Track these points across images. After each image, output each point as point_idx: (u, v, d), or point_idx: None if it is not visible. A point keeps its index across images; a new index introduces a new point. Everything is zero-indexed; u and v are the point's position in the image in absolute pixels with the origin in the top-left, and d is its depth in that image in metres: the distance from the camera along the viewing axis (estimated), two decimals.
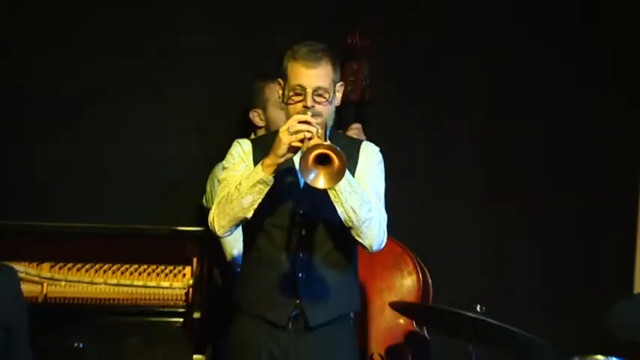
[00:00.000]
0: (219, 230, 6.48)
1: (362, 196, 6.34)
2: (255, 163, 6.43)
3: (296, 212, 6.50)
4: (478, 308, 6.84)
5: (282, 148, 6.12)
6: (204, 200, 7.72)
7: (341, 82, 6.65)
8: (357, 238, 6.38)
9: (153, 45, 9.08)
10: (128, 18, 9.12)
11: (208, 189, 7.86)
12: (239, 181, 6.36)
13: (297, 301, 6.45)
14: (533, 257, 9.32)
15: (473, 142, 9.27)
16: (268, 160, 6.20)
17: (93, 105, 8.86)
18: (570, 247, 9.35)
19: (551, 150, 9.52)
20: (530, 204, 9.45)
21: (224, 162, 6.79)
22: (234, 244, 7.40)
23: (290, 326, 6.45)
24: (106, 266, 7.17)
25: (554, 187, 9.59)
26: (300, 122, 6.10)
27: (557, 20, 9.64)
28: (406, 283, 7.79)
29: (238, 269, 7.03)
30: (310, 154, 5.91)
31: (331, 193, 6.26)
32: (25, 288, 6.59)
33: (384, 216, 6.55)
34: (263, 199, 6.26)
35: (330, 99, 6.41)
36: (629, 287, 8.81)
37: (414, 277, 7.78)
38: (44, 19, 8.98)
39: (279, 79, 6.55)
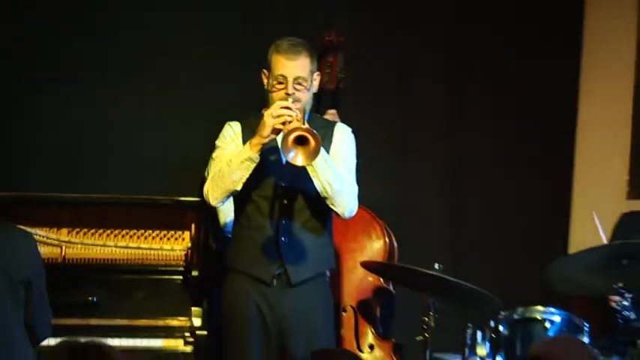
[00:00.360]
0: (213, 201, 6.79)
1: (335, 171, 6.68)
2: (244, 142, 6.69)
3: (278, 185, 6.78)
4: (436, 266, 6.94)
5: (266, 130, 6.42)
6: (205, 173, 7.55)
7: (318, 72, 6.94)
8: (332, 207, 6.74)
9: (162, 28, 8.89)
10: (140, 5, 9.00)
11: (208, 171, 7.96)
12: (230, 159, 6.67)
13: (280, 262, 6.73)
14: (484, 222, 9.33)
15: (434, 122, 9.27)
16: (255, 140, 6.50)
17: (109, 84, 8.78)
18: (515, 216, 9.33)
19: (502, 127, 9.45)
20: (482, 175, 9.41)
21: (217, 141, 6.98)
22: (227, 213, 7.48)
23: (274, 283, 6.74)
24: (116, 231, 7.36)
25: (506, 160, 9.48)
26: (282, 107, 6.42)
27: (512, 18, 9.58)
28: (375, 246, 7.96)
29: (229, 235, 7.19)
30: (290, 136, 6.27)
31: (309, 168, 6.55)
32: (47, 250, 6.93)
33: (355, 188, 6.87)
34: (250, 174, 6.57)
35: (308, 87, 6.72)
36: (564, 250, 8.94)
37: (382, 240, 7.96)
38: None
39: (264, 70, 6.79)
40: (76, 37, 8.84)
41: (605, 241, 7.35)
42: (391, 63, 8.92)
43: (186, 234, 7.39)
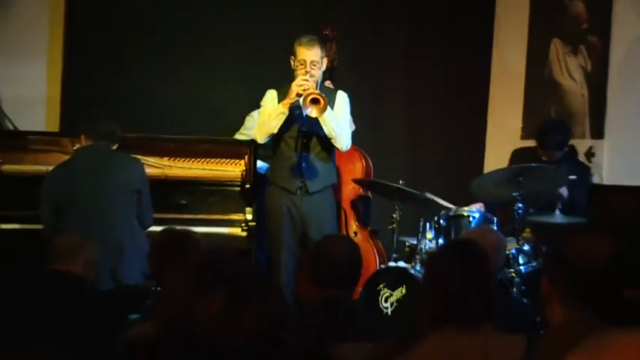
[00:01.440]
0: (259, 140, 7.33)
1: (337, 121, 7.20)
2: (279, 102, 7.18)
3: (300, 130, 7.27)
4: (401, 182, 7.43)
5: (293, 94, 6.99)
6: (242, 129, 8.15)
7: (325, 57, 7.35)
8: (335, 144, 7.28)
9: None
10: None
11: (245, 123, 8.34)
12: (269, 112, 7.23)
13: (302, 178, 7.27)
14: (432, 152, 9.49)
15: (395, 91, 9.45)
16: (285, 101, 7.06)
17: (187, 66, 8.87)
18: (452, 149, 9.54)
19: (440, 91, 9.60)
20: (431, 127, 9.53)
21: (262, 102, 7.42)
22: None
23: (298, 192, 7.29)
24: (198, 159, 7.64)
25: (445, 115, 9.66)
26: (303, 80, 6.98)
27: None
28: (357, 167, 8.26)
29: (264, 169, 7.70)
30: (308, 98, 6.89)
31: (320, 119, 7.06)
32: (155, 171, 7.26)
33: (349, 131, 7.43)
34: (282, 123, 7.16)
35: (320, 67, 7.20)
36: (481, 171, 8.97)
37: (360, 163, 8.27)
38: None
39: (292, 56, 7.19)
40: (162, 26, 8.76)
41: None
42: (366, 48, 9.11)
43: (242, 161, 7.66)
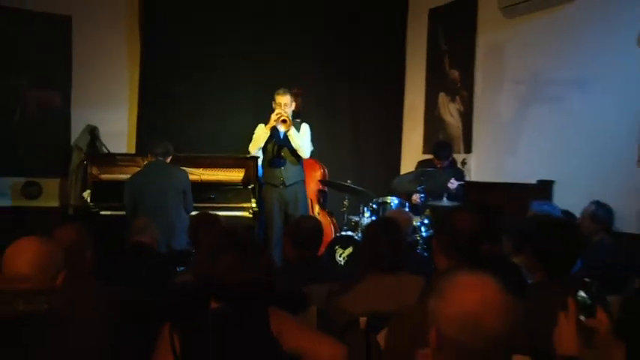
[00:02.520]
0: (252, 152, 7.30)
1: (300, 139, 7.18)
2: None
3: (276, 143, 7.21)
4: (348, 181, 7.56)
5: (272, 120, 7.07)
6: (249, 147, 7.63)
7: (293, 101, 7.28)
8: (300, 153, 7.23)
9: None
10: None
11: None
12: (258, 135, 7.17)
13: (282, 176, 7.22)
14: (364, 160, 9.23)
15: (341, 117, 9.19)
16: (268, 125, 7.09)
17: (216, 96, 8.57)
18: (378, 156, 9.33)
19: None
20: (362, 139, 9.30)
21: (255, 131, 7.25)
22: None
23: (280, 186, 7.22)
24: (221, 168, 7.52)
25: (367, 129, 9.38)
26: (277, 112, 7.05)
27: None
28: (318, 172, 8.22)
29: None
30: (280, 119, 7.04)
31: (289, 136, 7.13)
32: (194, 177, 7.04)
33: (309, 147, 7.32)
34: (266, 140, 7.17)
35: (289, 106, 7.19)
36: (398, 172, 9.01)
37: (320, 170, 8.23)
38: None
39: (273, 101, 7.15)
40: (200, 79, 8.51)
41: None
42: (320, 97, 8.80)
43: (243, 169, 7.53)
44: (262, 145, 7.23)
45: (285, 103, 7.15)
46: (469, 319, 1.71)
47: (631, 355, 2.15)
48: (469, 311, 1.72)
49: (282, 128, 7.18)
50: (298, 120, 7.39)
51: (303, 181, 7.51)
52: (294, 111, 7.37)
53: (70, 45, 7.91)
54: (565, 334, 2.28)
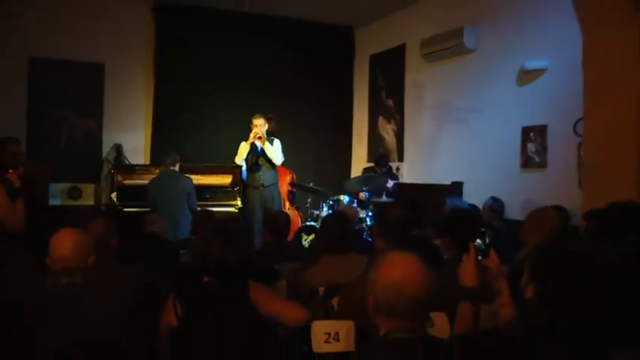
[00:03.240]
0: (237, 162, 7.08)
1: (274, 151, 6.98)
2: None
3: (255, 155, 7.00)
4: (311, 184, 7.44)
5: (250, 138, 6.91)
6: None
7: (267, 123, 7.06)
8: (274, 161, 7.02)
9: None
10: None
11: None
12: (242, 148, 6.98)
13: (261, 179, 7.00)
14: (326, 166, 8.99)
15: (305, 134, 8.92)
16: (247, 142, 6.93)
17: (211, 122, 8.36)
18: (332, 165, 9.12)
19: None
20: (312, 154, 9.09)
21: (240, 147, 7.06)
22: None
23: (260, 187, 7.00)
24: (215, 174, 7.37)
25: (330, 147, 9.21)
26: (255, 132, 6.88)
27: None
28: (288, 177, 7.87)
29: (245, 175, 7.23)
30: (256, 136, 6.88)
31: (265, 149, 6.95)
32: (195, 182, 6.65)
33: (281, 157, 7.12)
34: (248, 152, 6.97)
35: (264, 127, 6.97)
36: (349, 176, 8.82)
37: (289, 175, 7.91)
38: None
39: (251, 123, 6.97)
40: (199, 105, 8.35)
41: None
42: (288, 122, 8.40)
43: (231, 175, 7.35)
44: (245, 156, 7.08)
45: (260, 125, 6.96)
46: (395, 286, 1.73)
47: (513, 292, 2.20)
48: (395, 281, 1.74)
49: (259, 143, 7.02)
50: (272, 137, 7.26)
51: (277, 184, 7.28)
52: (268, 130, 7.21)
53: (102, 85, 8.01)
54: (467, 271, 2.36)
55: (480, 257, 2.45)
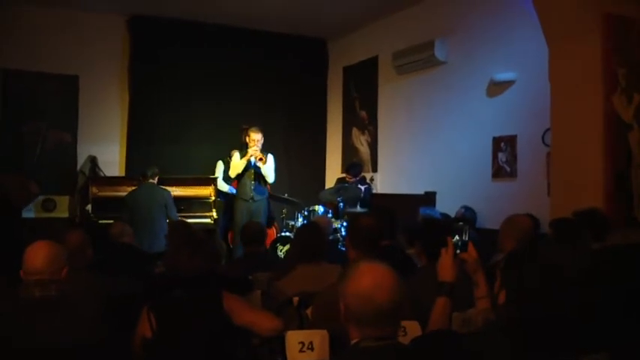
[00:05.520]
0: (232, 176, 6.94)
1: (268, 170, 6.86)
2: (240, 157, 6.80)
3: (250, 172, 6.83)
4: (286, 194, 7.53)
5: (249, 155, 6.72)
6: (216, 167, 7.74)
7: (262, 138, 6.84)
8: (267, 179, 6.91)
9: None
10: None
11: (217, 168, 7.80)
12: (237, 163, 6.80)
13: (252, 193, 6.81)
14: (303, 176, 8.94)
15: (287, 147, 8.77)
16: (245, 157, 6.75)
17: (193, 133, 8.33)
18: (309, 176, 9.09)
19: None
20: (294, 164, 9.05)
21: (232, 159, 6.95)
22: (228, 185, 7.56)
23: (250, 200, 6.82)
24: (192, 186, 7.31)
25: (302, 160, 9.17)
26: (254, 149, 6.69)
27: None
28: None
29: (234, 190, 7.17)
30: (257, 157, 6.71)
31: (260, 166, 6.79)
32: (175, 194, 6.77)
33: (273, 175, 6.99)
34: (243, 168, 6.79)
35: (261, 142, 6.80)
36: (323, 187, 8.78)
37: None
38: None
39: (247, 137, 6.85)
40: (174, 119, 8.28)
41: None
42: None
43: (212, 186, 7.34)
44: (240, 171, 6.86)
45: (258, 140, 6.78)
46: (364, 295, 1.72)
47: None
48: (364, 290, 1.73)
49: (258, 163, 6.85)
50: (266, 152, 7.15)
51: (267, 199, 7.17)
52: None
53: (77, 97, 8.00)
54: (445, 265, 2.35)
55: (458, 251, 2.46)
